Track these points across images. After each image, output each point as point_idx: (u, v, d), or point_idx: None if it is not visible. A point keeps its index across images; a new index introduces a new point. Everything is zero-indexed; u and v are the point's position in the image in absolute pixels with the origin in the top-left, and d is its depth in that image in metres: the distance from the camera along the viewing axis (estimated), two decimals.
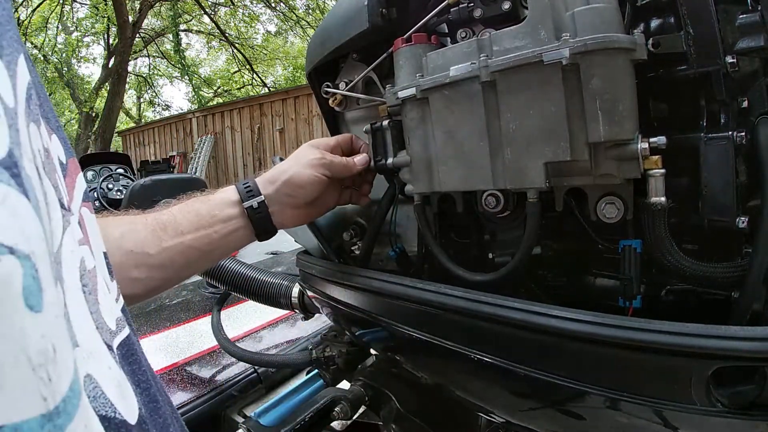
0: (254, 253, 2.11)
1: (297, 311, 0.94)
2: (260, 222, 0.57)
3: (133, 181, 4.11)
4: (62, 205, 0.21)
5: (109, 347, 0.22)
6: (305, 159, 0.58)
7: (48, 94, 0.27)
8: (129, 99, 16.36)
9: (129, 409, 0.21)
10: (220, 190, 0.59)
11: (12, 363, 0.13)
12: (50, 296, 0.15)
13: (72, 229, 0.23)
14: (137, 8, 9.39)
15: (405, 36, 0.55)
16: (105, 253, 0.29)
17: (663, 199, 0.40)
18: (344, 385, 0.89)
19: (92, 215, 0.30)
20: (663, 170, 0.40)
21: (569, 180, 0.45)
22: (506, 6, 0.49)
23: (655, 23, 0.45)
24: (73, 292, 0.20)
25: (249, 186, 0.58)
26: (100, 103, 10.73)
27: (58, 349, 0.15)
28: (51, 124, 0.25)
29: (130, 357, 0.25)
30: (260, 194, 0.57)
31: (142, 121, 15.17)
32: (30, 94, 0.20)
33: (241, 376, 1.05)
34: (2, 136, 0.15)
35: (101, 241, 0.29)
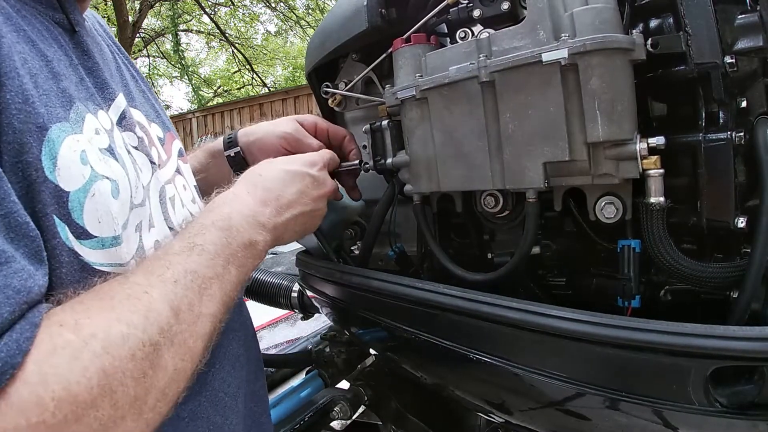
0: None
1: (297, 311, 0.94)
2: (237, 167, 0.64)
3: None
4: (152, 162, 0.45)
5: (171, 229, 0.44)
6: (279, 129, 0.64)
7: None
8: None
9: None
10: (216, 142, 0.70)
11: (121, 216, 0.37)
12: (123, 194, 0.37)
13: (162, 173, 0.46)
14: (137, 8, 9.38)
15: (404, 36, 0.55)
16: (195, 186, 0.55)
17: (662, 199, 0.40)
18: (344, 385, 0.89)
19: (185, 164, 0.55)
20: (662, 170, 0.40)
21: (568, 180, 0.45)
22: (505, 6, 0.49)
23: (654, 23, 0.45)
24: (155, 202, 0.43)
25: (231, 137, 0.67)
26: None
27: (125, 212, 0.37)
28: (150, 118, 0.50)
29: None
30: (237, 146, 0.65)
31: None
32: (122, 115, 0.43)
33: None
34: (106, 140, 0.38)
35: (191, 176, 0.55)
